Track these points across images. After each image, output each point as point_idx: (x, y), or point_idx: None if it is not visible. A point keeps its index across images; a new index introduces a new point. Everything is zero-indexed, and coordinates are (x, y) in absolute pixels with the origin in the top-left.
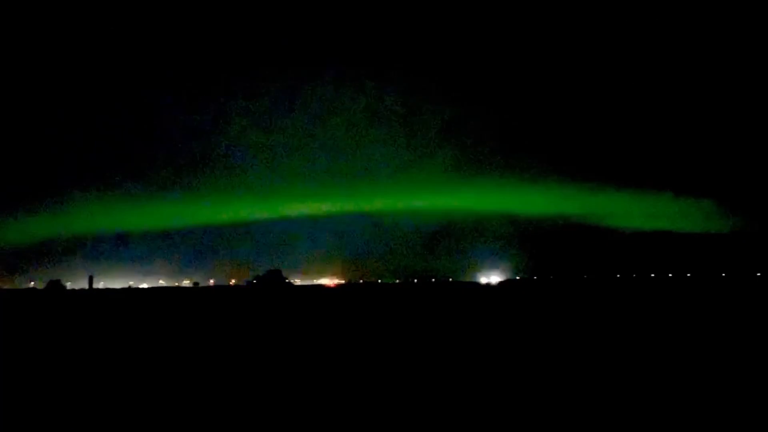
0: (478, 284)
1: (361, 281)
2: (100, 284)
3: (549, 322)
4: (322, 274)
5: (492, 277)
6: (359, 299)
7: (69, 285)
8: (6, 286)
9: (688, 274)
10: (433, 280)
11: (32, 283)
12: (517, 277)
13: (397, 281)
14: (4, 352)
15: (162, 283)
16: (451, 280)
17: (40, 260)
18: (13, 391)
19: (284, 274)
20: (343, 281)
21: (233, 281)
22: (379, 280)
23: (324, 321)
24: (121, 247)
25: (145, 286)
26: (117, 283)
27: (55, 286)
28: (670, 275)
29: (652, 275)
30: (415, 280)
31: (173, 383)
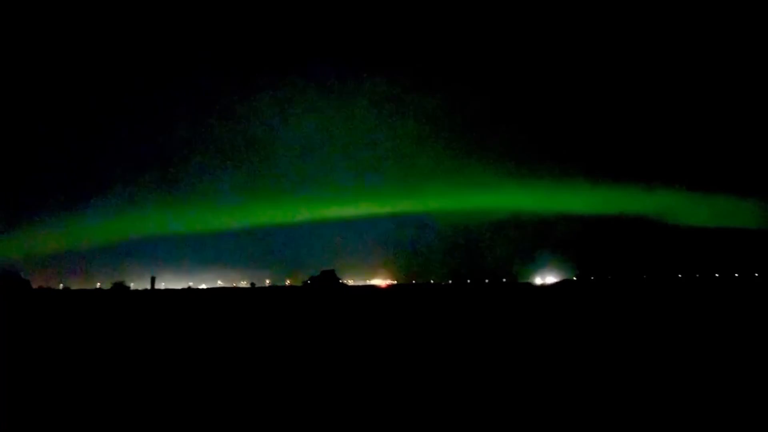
0: (533, 285)
1: (413, 282)
2: (161, 285)
3: (606, 324)
4: (374, 275)
5: (548, 278)
6: (411, 300)
7: (132, 286)
8: (75, 287)
9: (756, 274)
10: (487, 281)
11: (99, 284)
12: (574, 278)
13: (450, 282)
14: (75, 348)
15: (220, 283)
16: (504, 280)
17: (106, 263)
18: (84, 385)
19: (338, 274)
20: (395, 282)
21: (288, 282)
22: (431, 281)
23: (376, 322)
24: (180, 249)
25: (203, 286)
26: (177, 284)
27: (120, 287)
28: (736, 275)
29: (716, 275)
30: (468, 281)
31: (233, 381)
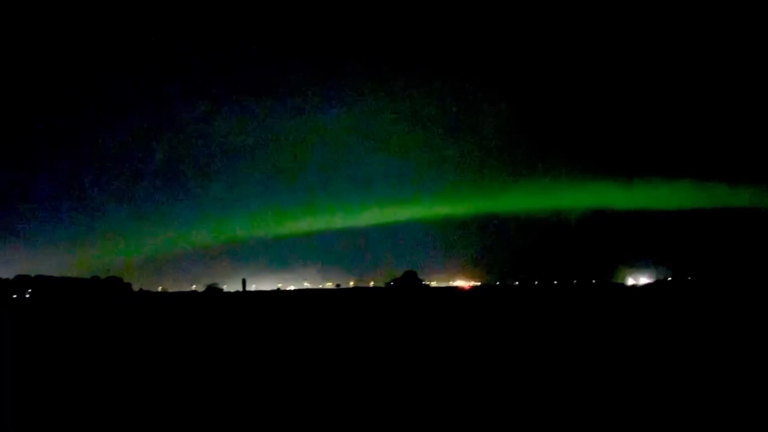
0: (623, 286)
1: (497, 283)
2: (252, 287)
3: (704, 328)
4: (457, 276)
5: (641, 279)
6: (494, 302)
7: (225, 288)
8: (172, 290)
9: None
10: (575, 281)
11: (193, 286)
12: (669, 279)
13: (536, 283)
14: (174, 347)
15: (307, 285)
16: (594, 281)
17: (199, 265)
18: (185, 381)
19: (420, 275)
20: (478, 283)
21: (372, 283)
22: (516, 282)
23: (457, 323)
24: (270, 252)
25: (291, 288)
26: (267, 286)
27: (213, 289)
28: None
29: None
30: (555, 282)
31: (325, 379)
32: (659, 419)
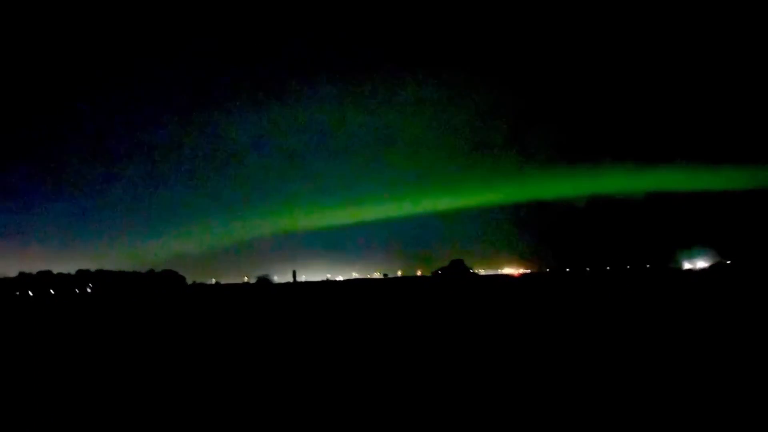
0: (680, 270)
1: (548, 270)
2: (302, 278)
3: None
4: (505, 264)
5: (698, 263)
6: (545, 289)
7: (276, 279)
8: (225, 282)
9: None
10: (628, 267)
11: (245, 278)
12: (728, 262)
13: (587, 269)
14: (224, 337)
15: (355, 275)
16: (648, 266)
17: (251, 258)
18: (238, 368)
19: (468, 264)
20: (528, 270)
21: (419, 272)
22: (567, 269)
23: (505, 311)
24: (319, 243)
25: (340, 278)
26: (316, 276)
27: (264, 280)
28: None
29: None
30: (608, 268)
31: (372, 368)
32: (730, 404)
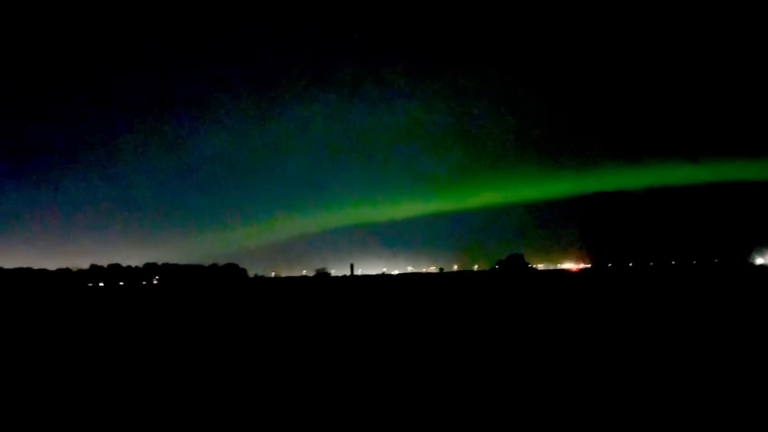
0: (752, 265)
1: (609, 265)
2: (358, 271)
3: None
4: (564, 259)
5: None
6: (607, 285)
7: (333, 272)
8: (284, 275)
9: None
10: (695, 262)
11: (304, 271)
12: None
13: (651, 264)
14: (284, 331)
15: (410, 269)
16: (717, 261)
17: (310, 252)
18: (295, 362)
19: (526, 258)
20: (588, 265)
21: (476, 266)
22: (630, 264)
23: (564, 307)
24: (375, 237)
25: (396, 272)
26: (373, 270)
27: (322, 274)
28: None
29: None
30: (673, 262)
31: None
32: None
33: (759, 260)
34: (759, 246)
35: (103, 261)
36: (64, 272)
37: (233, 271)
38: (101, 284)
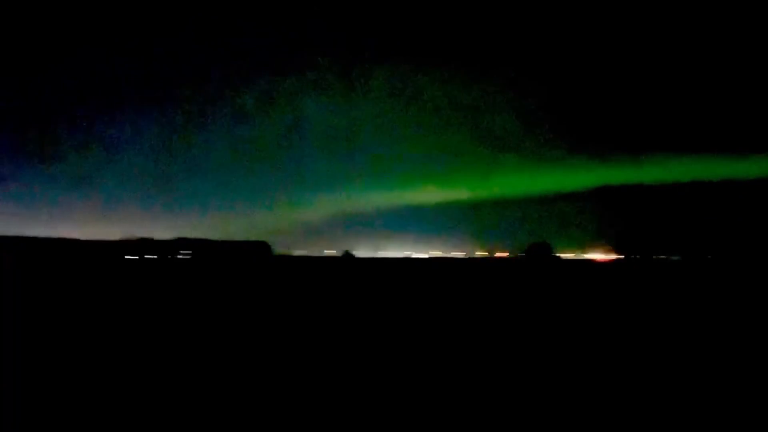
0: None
1: (635, 256)
2: (381, 254)
3: None
4: (590, 249)
5: None
6: (634, 277)
7: (358, 254)
8: (309, 254)
9: None
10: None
11: (329, 251)
12: None
13: (679, 257)
14: (309, 314)
15: (435, 253)
16: (739, 257)
17: (336, 232)
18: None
19: (551, 247)
20: (616, 256)
21: (498, 254)
22: (654, 257)
23: (592, 299)
24: (402, 220)
25: (421, 255)
26: (398, 253)
27: (348, 254)
28: None
29: None
30: (709, 257)
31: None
32: None
33: None
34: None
35: (135, 233)
36: (96, 244)
37: (260, 247)
38: (136, 257)
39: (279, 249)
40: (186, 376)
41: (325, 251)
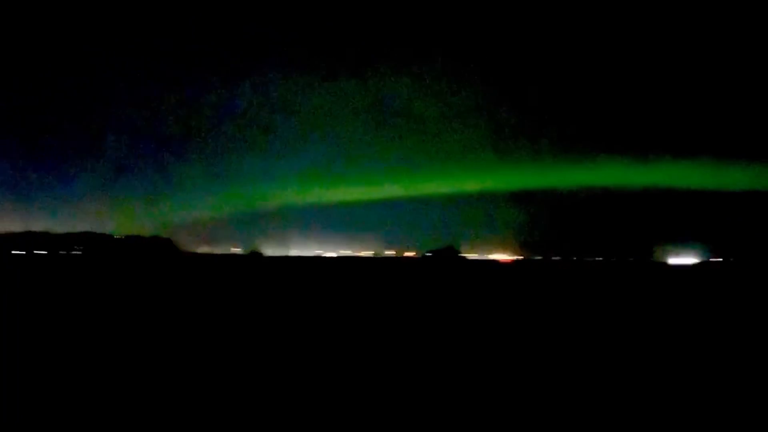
0: (664, 265)
1: (539, 258)
2: (292, 252)
3: None
4: (495, 250)
5: (682, 259)
6: (534, 275)
7: (266, 253)
8: (215, 252)
9: None
10: (614, 259)
11: (235, 249)
12: (711, 260)
13: (574, 259)
14: (219, 313)
15: (345, 252)
16: (632, 260)
17: (243, 229)
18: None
19: (458, 248)
20: (518, 257)
21: (408, 254)
22: (555, 258)
23: (497, 297)
24: (311, 219)
25: (331, 254)
26: (307, 252)
27: (255, 253)
28: None
29: None
30: (597, 258)
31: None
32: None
33: (671, 260)
34: (667, 245)
35: (35, 227)
36: None
37: (163, 244)
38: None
39: (183, 246)
40: (76, 378)
41: (232, 249)
